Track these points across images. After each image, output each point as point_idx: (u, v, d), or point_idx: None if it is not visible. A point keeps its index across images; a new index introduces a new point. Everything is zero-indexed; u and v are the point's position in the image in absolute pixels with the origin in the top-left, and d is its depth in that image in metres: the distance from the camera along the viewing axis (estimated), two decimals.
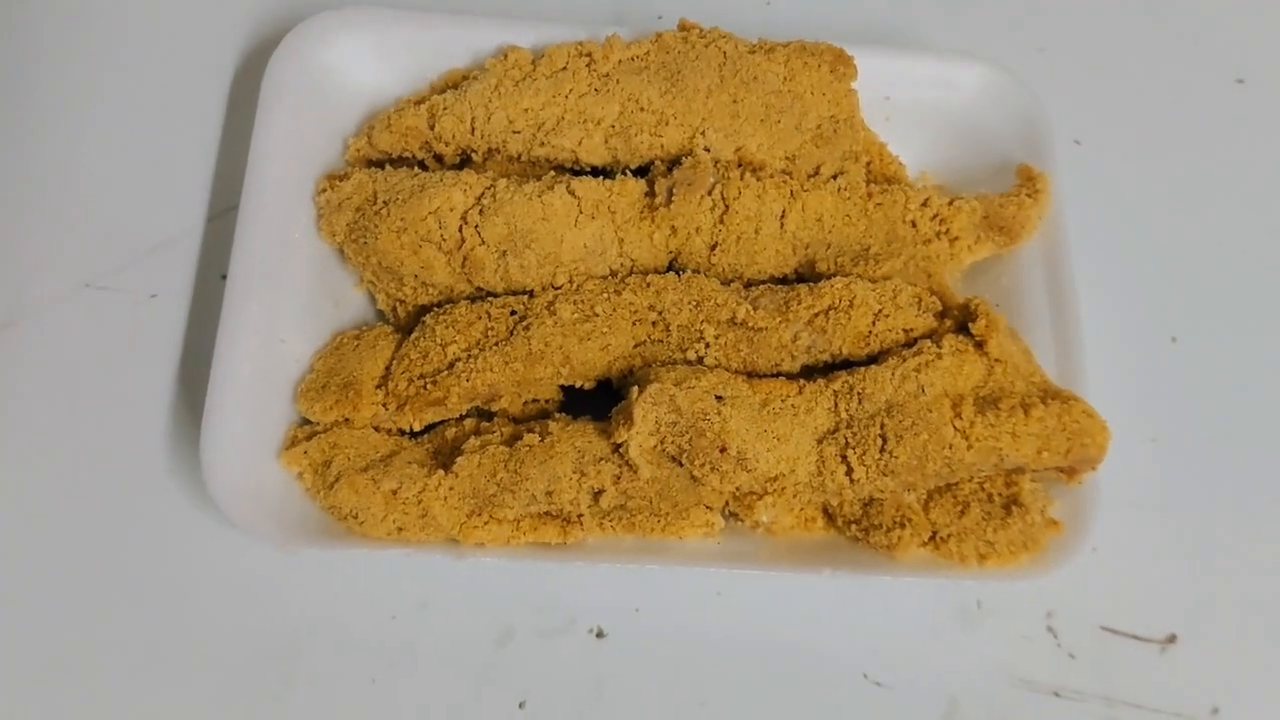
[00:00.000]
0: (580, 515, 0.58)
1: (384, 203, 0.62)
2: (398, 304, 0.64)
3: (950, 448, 0.58)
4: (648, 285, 0.61)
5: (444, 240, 0.61)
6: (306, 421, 0.61)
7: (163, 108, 0.72)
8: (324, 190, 0.64)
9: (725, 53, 0.65)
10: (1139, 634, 0.65)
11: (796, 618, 0.64)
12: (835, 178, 0.65)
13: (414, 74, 0.69)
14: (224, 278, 0.62)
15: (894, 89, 0.70)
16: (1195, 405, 0.70)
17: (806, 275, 0.65)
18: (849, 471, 0.57)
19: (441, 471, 0.57)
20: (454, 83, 0.68)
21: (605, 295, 0.61)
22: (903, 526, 0.59)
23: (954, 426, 0.58)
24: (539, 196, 0.61)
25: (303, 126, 0.65)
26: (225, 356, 0.59)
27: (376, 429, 0.61)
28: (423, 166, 0.67)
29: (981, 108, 0.70)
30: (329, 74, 0.67)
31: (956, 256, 0.65)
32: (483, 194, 0.62)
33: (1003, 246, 0.66)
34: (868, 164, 0.69)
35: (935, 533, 0.60)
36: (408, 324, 0.64)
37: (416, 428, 0.61)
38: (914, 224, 0.65)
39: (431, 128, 0.65)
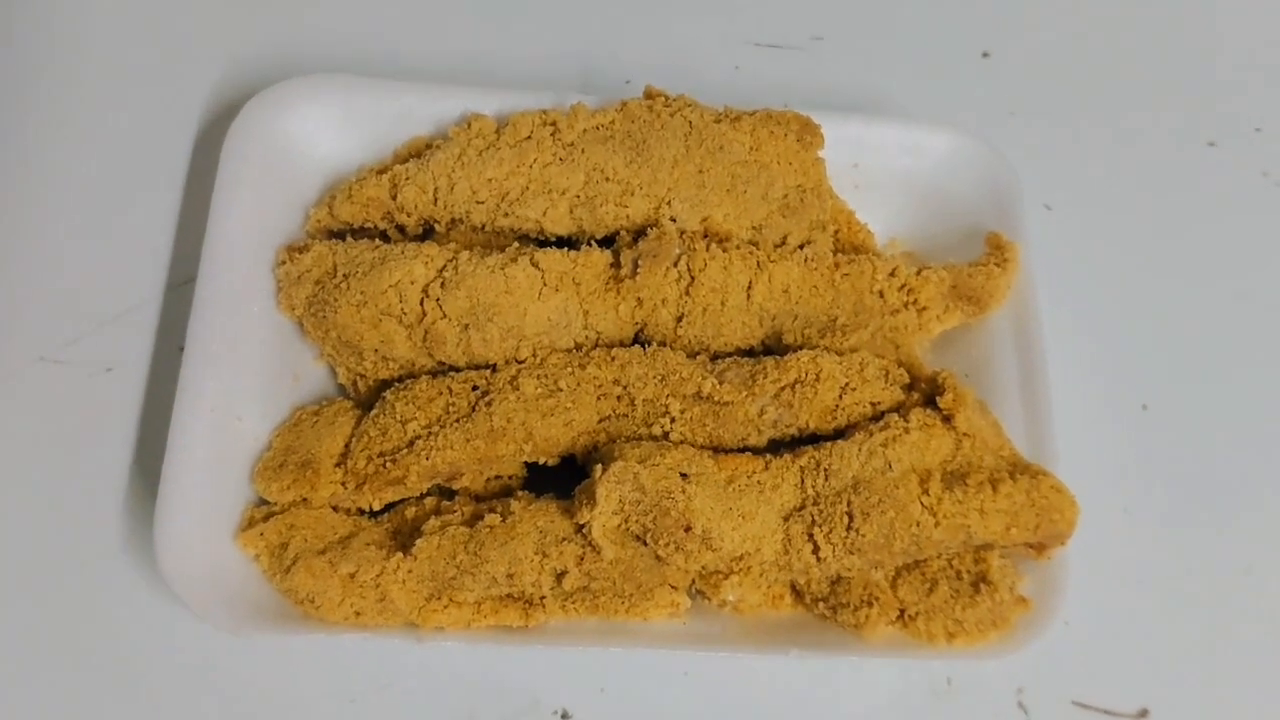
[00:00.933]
0: (543, 597, 0.57)
1: (344, 276, 0.61)
2: (358, 378, 0.63)
3: (917, 525, 0.57)
4: (612, 359, 0.61)
5: (405, 314, 0.60)
6: (265, 501, 0.60)
7: (121, 176, 0.71)
8: (283, 262, 0.63)
9: (691, 122, 0.65)
10: (1111, 709, 0.64)
11: (765, 697, 0.63)
12: (802, 247, 0.65)
13: (376, 142, 0.68)
14: (182, 349, 0.61)
15: (862, 156, 0.70)
16: (1167, 474, 0.70)
17: (774, 347, 0.64)
18: (815, 550, 0.57)
19: (400, 554, 0.56)
20: (417, 151, 0.68)
21: (569, 369, 0.60)
22: (870, 605, 0.58)
23: (921, 504, 0.57)
24: (502, 269, 0.61)
25: (262, 196, 0.65)
26: (181, 435, 0.58)
27: (335, 508, 0.60)
28: (385, 238, 0.66)
29: (950, 173, 0.70)
30: (290, 143, 0.66)
31: (925, 326, 0.65)
32: (445, 266, 0.61)
33: (972, 316, 0.66)
34: (835, 232, 0.69)
35: (903, 610, 0.59)
36: (369, 399, 0.63)
37: (376, 507, 0.60)
38: (881, 294, 0.64)
39: (394, 198, 0.64)
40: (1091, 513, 0.58)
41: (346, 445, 0.60)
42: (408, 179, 0.64)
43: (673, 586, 0.59)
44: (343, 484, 0.59)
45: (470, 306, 0.60)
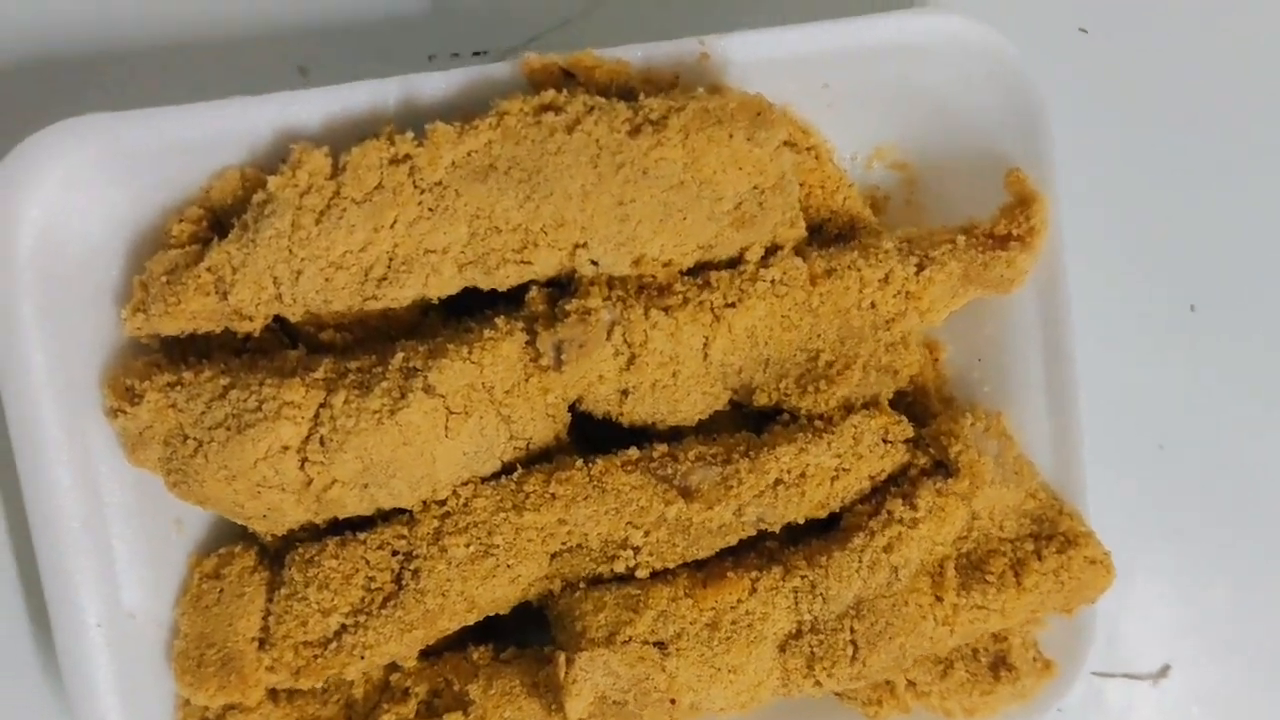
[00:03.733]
0: None
1: (197, 444, 0.48)
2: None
3: (931, 640, 0.50)
4: (552, 496, 0.49)
5: (286, 485, 0.48)
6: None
7: None
8: (115, 411, 0.49)
9: (599, 141, 0.46)
10: (1131, 671, 0.61)
11: None
12: (766, 259, 0.50)
13: (172, 183, 0.50)
14: None
15: (833, 72, 0.51)
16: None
17: (744, 404, 0.52)
18: (817, 684, 0.50)
19: None
20: (231, 191, 0.50)
21: (502, 516, 0.49)
22: (880, 704, 0.53)
23: (934, 617, 0.50)
24: (391, 416, 0.47)
25: (53, 311, 0.49)
26: (74, 667, 0.50)
27: (273, 691, 0.52)
28: (232, 339, 0.51)
29: (948, 73, 0.51)
30: (59, 225, 0.48)
31: (929, 320, 0.52)
32: (316, 415, 0.47)
33: (987, 294, 0.52)
34: (803, 186, 0.52)
35: (914, 684, 0.53)
36: (272, 545, 0.53)
37: (317, 686, 0.52)
38: (873, 305, 0.50)
39: (224, 297, 0.48)
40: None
41: (264, 619, 0.51)
42: (235, 271, 0.47)
43: None
44: (271, 669, 0.51)
45: (364, 468, 0.48)
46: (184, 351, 0.52)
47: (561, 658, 0.49)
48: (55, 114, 0.49)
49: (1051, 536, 0.51)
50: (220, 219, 0.50)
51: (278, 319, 0.51)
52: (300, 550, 0.51)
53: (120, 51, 0.54)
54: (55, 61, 0.54)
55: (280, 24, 0.54)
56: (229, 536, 0.54)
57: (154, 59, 0.54)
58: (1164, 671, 0.61)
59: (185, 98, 0.50)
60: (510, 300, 0.51)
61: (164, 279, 0.49)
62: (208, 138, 0.49)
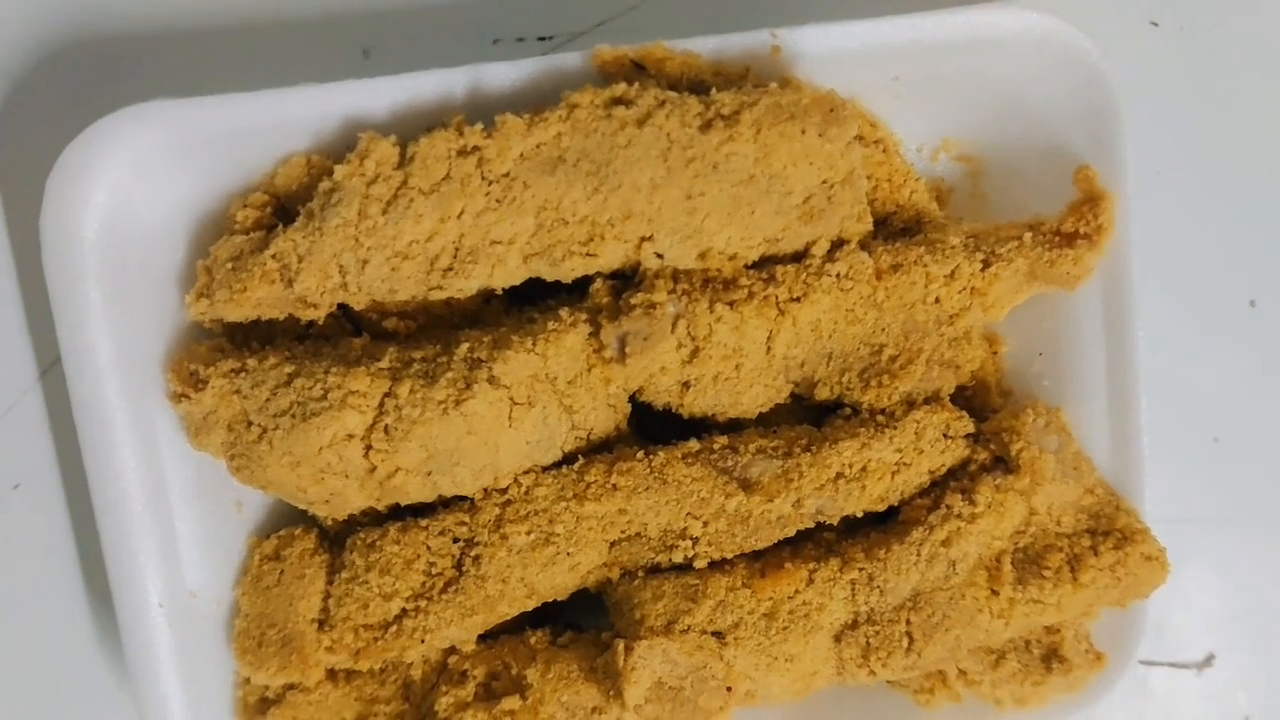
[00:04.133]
0: None
1: (261, 430, 0.48)
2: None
3: (986, 633, 0.50)
4: (613, 487, 0.50)
5: (350, 471, 0.48)
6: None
7: None
8: (178, 396, 0.49)
9: (670, 135, 0.46)
10: (1176, 660, 0.61)
11: None
12: (833, 252, 0.49)
13: (236, 169, 0.50)
14: None
15: (902, 65, 0.50)
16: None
17: (805, 397, 0.52)
18: (871, 673, 0.51)
19: None
20: (297, 178, 0.49)
21: (563, 505, 0.50)
22: (932, 692, 0.54)
23: (989, 611, 0.50)
24: (456, 407, 0.47)
25: (119, 296, 0.49)
26: (138, 647, 0.51)
27: (332, 672, 0.53)
28: (295, 324, 0.51)
29: (1022, 68, 0.51)
30: (126, 208, 0.48)
31: (992, 315, 0.51)
32: (381, 404, 0.48)
33: (1051, 290, 0.52)
34: (871, 178, 0.51)
35: (965, 673, 0.54)
36: (332, 528, 0.53)
37: (375, 668, 0.53)
38: (938, 300, 0.50)
39: (289, 284, 0.48)
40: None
41: (324, 601, 0.52)
42: (301, 260, 0.47)
43: None
44: (330, 650, 0.52)
45: (428, 456, 0.48)
46: (246, 336, 0.52)
47: (621, 645, 0.49)
48: (115, 95, 0.49)
49: (1108, 532, 0.51)
50: (284, 205, 0.50)
51: (341, 305, 0.51)
52: (362, 535, 0.52)
53: (183, 32, 0.53)
54: (116, 42, 0.53)
55: (344, 5, 0.53)
56: (288, 518, 0.54)
57: (217, 40, 0.54)
58: (1209, 661, 0.61)
59: (248, 79, 0.49)
60: (571, 289, 0.51)
61: (229, 265, 0.49)
62: (274, 124, 0.49)
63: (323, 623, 0.52)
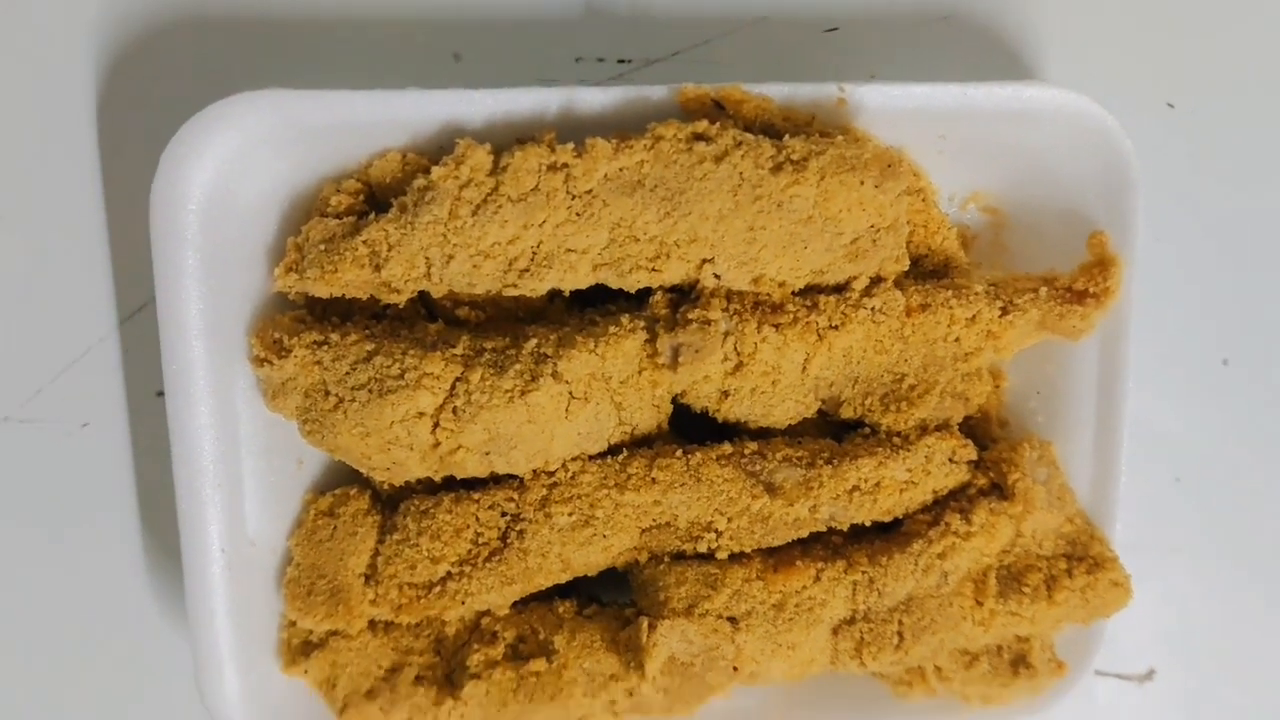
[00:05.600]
0: None
1: (338, 400, 0.53)
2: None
3: (967, 637, 0.57)
4: (652, 480, 0.55)
5: (415, 445, 0.53)
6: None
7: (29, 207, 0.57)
8: (261, 360, 0.53)
9: (742, 173, 0.51)
10: (1121, 672, 0.68)
11: None
12: (870, 288, 0.55)
13: (333, 161, 0.53)
14: (160, 394, 0.54)
15: (951, 126, 0.56)
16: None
17: (830, 414, 0.57)
18: (861, 664, 0.57)
19: (450, 701, 0.56)
20: (392, 172, 0.53)
21: (604, 492, 0.55)
22: (910, 685, 0.60)
23: (973, 619, 0.56)
24: (522, 396, 0.52)
25: (215, 260, 0.53)
26: (197, 575, 0.55)
27: (373, 623, 0.58)
28: (372, 303, 0.55)
29: (1051, 140, 0.56)
30: (231, 185, 0.52)
31: (1001, 355, 0.57)
32: (453, 386, 0.52)
33: (1056, 338, 0.58)
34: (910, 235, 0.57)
35: (940, 670, 0.60)
36: (386, 493, 0.57)
37: (414, 623, 0.58)
38: (958, 339, 0.56)
39: (377, 270, 0.52)
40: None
41: (372, 559, 0.56)
42: (391, 249, 0.51)
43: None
44: (374, 603, 0.57)
45: (490, 438, 0.53)
46: (325, 310, 0.56)
47: (645, 622, 0.55)
48: (212, 81, 0.53)
49: (1083, 558, 0.58)
50: (375, 195, 0.54)
51: (419, 292, 0.55)
52: (416, 501, 0.56)
53: (287, 23, 0.57)
54: (220, 30, 0.57)
55: (440, 11, 0.57)
56: (344, 478, 0.59)
57: (318, 35, 0.57)
58: (1150, 675, 0.68)
59: (346, 74, 0.54)
60: (629, 296, 0.56)
61: (321, 246, 0.53)
62: (376, 121, 0.53)
63: (369, 578, 0.56)
